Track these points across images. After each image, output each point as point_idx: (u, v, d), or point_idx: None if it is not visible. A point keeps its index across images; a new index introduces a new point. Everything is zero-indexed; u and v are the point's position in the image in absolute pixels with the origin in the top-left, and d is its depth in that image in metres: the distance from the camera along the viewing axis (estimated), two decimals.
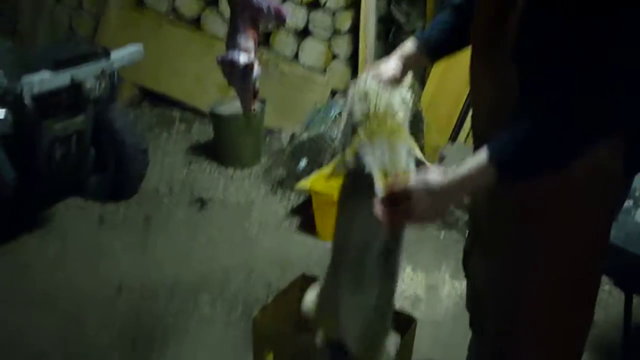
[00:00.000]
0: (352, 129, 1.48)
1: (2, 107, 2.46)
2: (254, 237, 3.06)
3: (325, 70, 4.30)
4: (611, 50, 1.08)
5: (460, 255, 1.88)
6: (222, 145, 3.82)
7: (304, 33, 4.27)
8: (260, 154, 3.92)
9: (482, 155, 1.16)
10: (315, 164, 3.50)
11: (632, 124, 1.22)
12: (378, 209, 1.29)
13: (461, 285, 2.55)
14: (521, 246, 1.43)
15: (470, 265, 1.76)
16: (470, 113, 3.60)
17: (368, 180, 1.36)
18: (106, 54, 2.88)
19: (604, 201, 1.35)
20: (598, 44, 1.09)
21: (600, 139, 1.18)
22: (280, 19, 1.73)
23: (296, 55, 4.37)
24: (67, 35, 4.81)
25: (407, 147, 1.40)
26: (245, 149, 3.78)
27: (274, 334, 1.91)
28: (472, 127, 1.61)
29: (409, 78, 1.59)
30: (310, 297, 1.79)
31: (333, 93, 4.22)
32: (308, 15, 4.18)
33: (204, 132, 4.29)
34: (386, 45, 4.09)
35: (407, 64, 1.59)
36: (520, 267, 1.44)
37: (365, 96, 1.44)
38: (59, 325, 2.35)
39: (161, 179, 3.63)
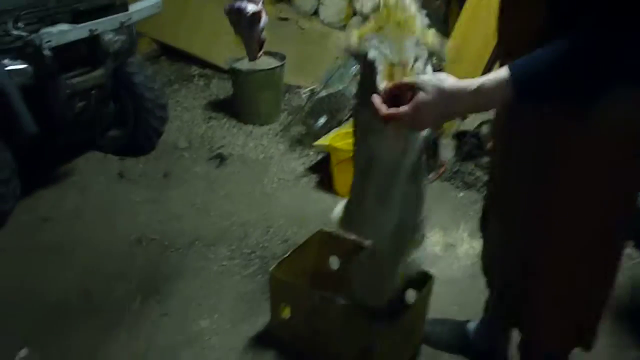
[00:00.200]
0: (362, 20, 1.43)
1: (22, 59, 2.46)
2: (272, 193, 3.07)
3: (345, 27, 4.22)
4: None
5: (478, 215, 1.87)
6: (241, 101, 3.79)
7: None
8: (279, 110, 3.90)
9: (504, 70, 1.11)
10: (334, 121, 3.47)
11: None
12: (376, 103, 1.21)
13: (479, 244, 2.53)
14: (540, 206, 1.41)
15: (489, 226, 1.75)
16: (495, 68, 3.54)
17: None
18: (124, 6, 2.84)
19: (629, 160, 1.31)
20: None
21: (624, 79, 1.13)
22: None
23: (316, 11, 4.29)
24: None
25: (417, 40, 1.32)
26: (264, 105, 3.75)
27: (291, 288, 1.92)
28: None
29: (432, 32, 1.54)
30: (339, 208, 1.79)
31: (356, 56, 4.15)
32: None
33: (222, 88, 4.28)
34: None
35: None
36: (538, 227, 1.43)
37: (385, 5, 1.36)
38: (78, 276, 2.39)
39: (180, 135, 3.64)
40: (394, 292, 1.79)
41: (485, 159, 3.22)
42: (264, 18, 1.67)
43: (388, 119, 1.20)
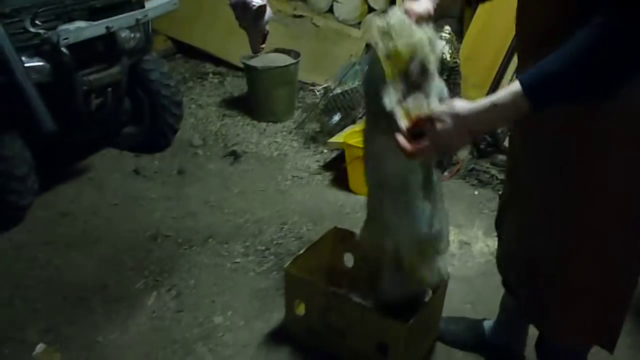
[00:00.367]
0: (375, 66, 1.43)
1: (40, 56, 2.48)
2: (286, 190, 3.07)
3: (360, 24, 4.21)
4: None
5: (494, 214, 1.86)
6: (256, 98, 3.80)
7: None
8: (293, 107, 3.90)
9: (515, 83, 1.12)
10: (348, 119, 3.47)
11: None
12: (401, 141, 1.27)
13: (494, 242, 2.52)
14: (560, 203, 1.40)
15: (505, 224, 1.73)
16: (510, 66, 3.52)
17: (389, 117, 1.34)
18: (140, 3, 2.86)
19: None
20: None
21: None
22: None
23: (331, 9, 4.29)
24: None
25: (433, 87, 1.38)
26: (278, 103, 3.75)
27: (306, 284, 1.92)
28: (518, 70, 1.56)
29: (447, 32, 1.55)
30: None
31: (368, 47, 4.14)
32: None
33: (237, 85, 4.29)
34: None
35: (441, 4, 1.53)
36: (559, 224, 1.42)
37: (389, 31, 1.39)
38: (97, 267, 2.42)
39: (195, 132, 3.65)
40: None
41: (501, 157, 3.20)
42: (268, 12, 1.70)
43: (412, 154, 1.26)
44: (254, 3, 1.68)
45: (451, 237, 2.62)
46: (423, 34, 1.39)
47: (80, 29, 2.46)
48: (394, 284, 1.80)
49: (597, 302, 1.48)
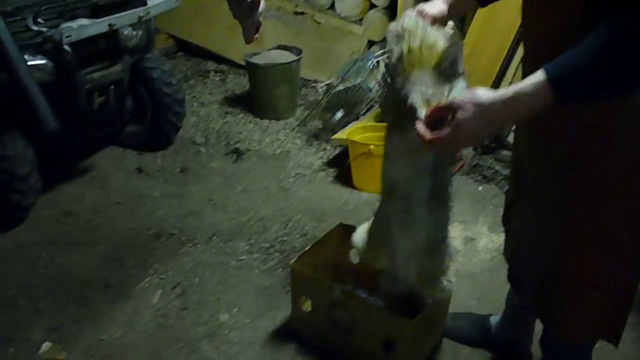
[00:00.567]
0: (392, 68, 1.43)
1: (42, 55, 2.47)
2: (289, 188, 3.06)
3: (361, 20, 4.20)
4: None
5: (498, 209, 1.85)
6: (258, 95, 3.79)
7: None
8: (295, 105, 3.89)
9: (539, 73, 1.08)
10: (351, 116, 3.46)
11: None
12: (420, 130, 1.22)
13: (499, 238, 2.51)
14: (570, 193, 1.39)
15: (512, 219, 1.72)
16: (513, 62, 3.51)
17: (411, 113, 1.31)
18: (142, 0, 2.84)
19: None
20: None
21: None
22: None
23: (332, 5, 4.27)
24: None
25: (454, 86, 1.35)
26: (280, 100, 3.74)
27: (312, 281, 1.91)
28: (524, 69, 1.54)
29: (450, 27, 1.54)
30: (360, 233, 1.80)
31: (370, 43, 4.13)
32: None
33: (238, 83, 4.28)
34: None
35: (454, 5, 1.53)
36: (569, 214, 1.41)
37: (405, 32, 1.39)
38: (101, 265, 2.41)
39: (197, 130, 3.64)
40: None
41: (505, 153, 3.19)
42: (262, 3, 1.71)
43: (432, 142, 1.21)
44: None
45: (456, 234, 2.64)
46: (438, 35, 1.39)
47: (82, 27, 2.45)
48: (391, 286, 1.81)
49: (603, 298, 1.47)
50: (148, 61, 3.11)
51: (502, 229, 1.86)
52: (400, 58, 1.39)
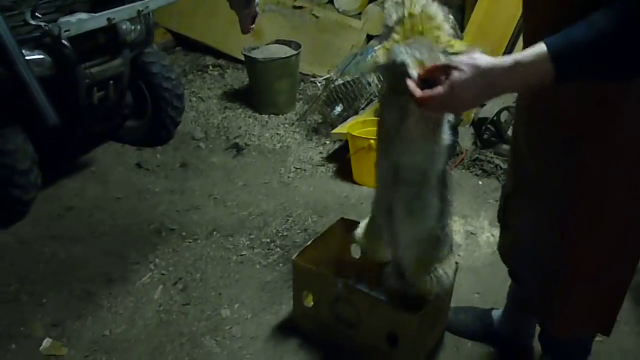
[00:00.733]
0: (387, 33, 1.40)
1: (41, 49, 2.46)
2: (290, 182, 3.06)
3: (360, 15, 4.19)
4: None
5: (498, 205, 1.84)
6: (257, 90, 3.78)
7: None
8: (295, 100, 3.88)
9: (541, 45, 1.05)
10: (351, 110, 3.46)
11: None
12: (411, 87, 1.17)
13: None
14: (570, 185, 1.39)
15: (511, 214, 1.72)
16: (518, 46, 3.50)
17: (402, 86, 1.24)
18: None
19: None
20: None
21: None
22: None
23: (331, 0, 4.26)
24: None
25: (445, 49, 1.30)
26: (280, 95, 3.73)
27: (315, 276, 1.91)
28: None
29: (450, 19, 1.51)
30: (362, 227, 1.80)
31: (369, 38, 4.12)
32: None
33: (237, 78, 4.27)
34: None
35: None
36: (568, 207, 1.41)
37: (402, 1, 1.37)
38: (102, 261, 2.41)
39: (196, 125, 3.64)
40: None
41: (505, 147, 3.19)
42: None
43: (424, 101, 1.16)
44: None
45: (457, 228, 2.65)
46: (438, 8, 1.37)
47: (81, 21, 2.43)
48: (394, 281, 1.81)
49: (600, 292, 1.48)
50: (147, 56, 3.10)
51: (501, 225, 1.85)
52: (399, 22, 1.36)
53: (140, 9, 2.69)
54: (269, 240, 2.57)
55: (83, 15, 2.49)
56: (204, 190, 2.96)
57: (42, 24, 2.41)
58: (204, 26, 4.50)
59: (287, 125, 3.66)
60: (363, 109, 3.42)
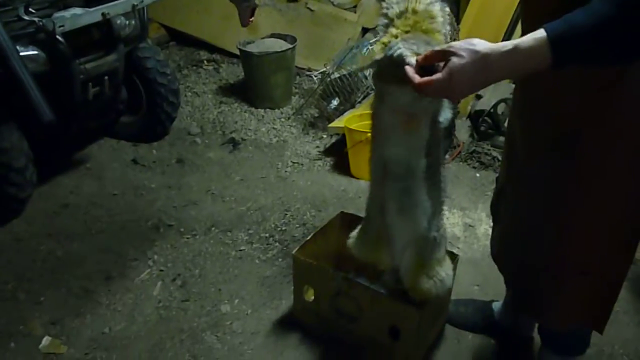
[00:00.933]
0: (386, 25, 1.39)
1: (35, 45, 2.43)
2: (287, 177, 3.04)
3: (355, 7, 4.17)
4: None
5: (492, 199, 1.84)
6: (253, 84, 3.76)
7: None
8: (290, 93, 3.87)
9: (540, 30, 1.04)
10: (347, 103, 3.44)
11: None
12: (409, 73, 1.16)
13: None
14: (563, 176, 1.39)
15: (501, 208, 1.71)
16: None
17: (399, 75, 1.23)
18: None
19: None
20: None
21: None
22: None
23: None
24: None
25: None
26: (276, 89, 3.72)
27: (315, 270, 1.90)
28: None
29: (446, 11, 1.50)
30: (354, 235, 1.79)
31: (364, 30, 4.11)
32: None
33: (232, 72, 4.25)
34: None
35: None
36: (561, 198, 1.40)
37: None
38: (100, 258, 2.39)
39: (192, 120, 3.62)
40: None
41: (502, 139, 3.19)
42: None
43: (422, 87, 1.15)
44: None
45: (455, 220, 2.65)
46: (439, 10, 1.36)
47: (76, 16, 2.41)
48: (394, 283, 1.80)
49: (590, 284, 1.47)
50: (142, 51, 3.07)
51: (492, 219, 1.84)
52: (399, 16, 1.35)
53: (135, 3, 2.67)
54: (267, 235, 2.56)
55: (77, 10, 2.46)
56: (201, 186, 2.94)
57: (36, 19, 2.38)
58: (198, 21, 4.47)
59: (283, 119, 3.65)
60: (359, 102, 3.41)
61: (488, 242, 2.47)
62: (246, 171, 3.09)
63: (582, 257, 1.44)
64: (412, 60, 1.21)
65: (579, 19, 1.01)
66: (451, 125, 3.11)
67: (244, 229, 2.59)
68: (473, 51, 1.08)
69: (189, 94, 3.95)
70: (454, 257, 1.91)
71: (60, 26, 2.36)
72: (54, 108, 2.37)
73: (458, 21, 3.51)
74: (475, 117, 3.29)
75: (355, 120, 3.04)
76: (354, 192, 2.88)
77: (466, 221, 2.66)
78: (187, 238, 2.53)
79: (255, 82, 3.73)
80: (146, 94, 3.17)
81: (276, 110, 3.75)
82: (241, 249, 2.47)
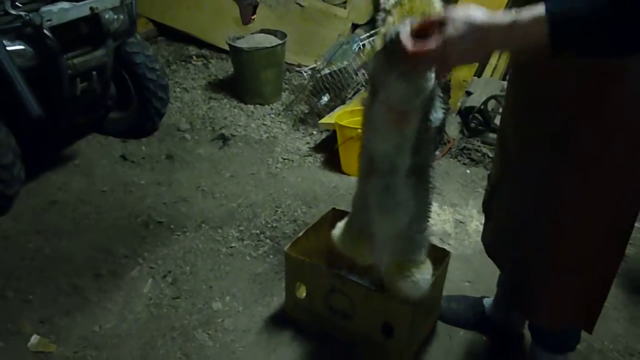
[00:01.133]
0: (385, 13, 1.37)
1: (22, 39, 2.40)
2: (278, 173, 3.03)
3: (345, 3, 4.16)
4: None
5: (484, 196, 1.84)
6: (242, 80, 3.74)
7: None
8: (280, 89, 3.85)
9: (539, 7, 1.01)
10: (337, 100, 3.44)
11: None
12: (404, 38, 1.13)
13: None
14: (556, 173, 1.39)
15: (496, 202, 1.71)
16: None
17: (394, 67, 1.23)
18: None
19: None
20: None
21: None
22: None
23: None
24: None
25: None
26: (265, 85, 3.70)
27: (307, 267, 1.90)
28: None
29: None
30: (339, 227, 1.78)
31: (354, 26, 4.10)
32: None
33: (221, 68, 4.22)
34: None
35: None
36: (553, 195, 1.41)
37: None
38: (89, 255, 2.37)
39: (181, 116, 3.59)
40: None
41: (492, 136, 3.20)
42: None
43: (415, 55, 1.12)
44: None
45: (446, 217, 2.65)
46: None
47: (63, 10, 2.38)
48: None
49: (580, 283, 1.48)
50: (130, 46, 3.04)
51: (485, 215, 1.85)
52: (395, 5, 1.32)
53: None
54: (258, 232, 2.54)
55: (65, 4, 2.44)
56: (191, 182, 2.92)
57: (23, 13, 2.35)
58: (187, 16, 4.44)
59: (273, 115, 3.63)
60: (350, 98, 3.41)
61: (479, 239, 2.48)
62: (236, 167, 3.08)
63: (575, 253, 1.44)
64: (407, 28, 1.17)
65: (580, 2, 0.99)
66: (442, 124, 3.12)
67: (234, 226, 2.58)
68: (469, 23, 1.05)
69: (178, 89, 3.92)
70: (446, 254, 1.92)
71: (47, 20, 2.33)
72: (41, 104, 2.35)
73: None
74: (465, 113, 3.29)
75: (346, 116, 3.03)
76: (344, 189, 2.87)
77: (457, 217, 2.67)
78: (178, 235, 2.51)
79: (245, 78, 3.70)
80: (135, 90, 3.14)
81: (266, 106, 3.73)
82: (232, 245, 2.46)
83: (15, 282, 2.20)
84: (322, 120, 3.22)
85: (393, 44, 1.20)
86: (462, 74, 3.48)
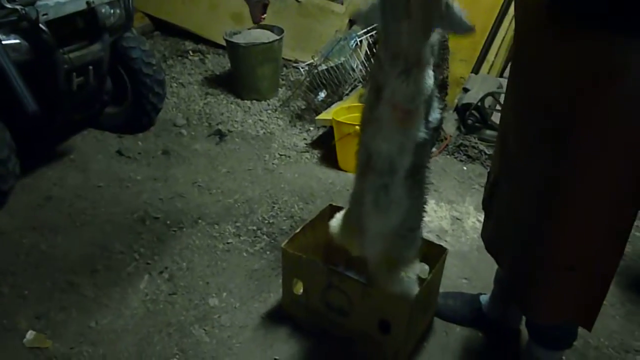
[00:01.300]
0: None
1: (17, 34, 2.38)
2: (274, 169, 3.03)
3: None
4: None
5: (483, 192, 1.84)
6: (239, 75, 3.73)
7: None
8: (277, 85, 3.84)
9: None
10: (335, 96, 3.43)
11: None
12: None
13: None
14: (551, 174, 1.39)
15: (495, 200, 1.71)
16: (495, 42, 3.51)
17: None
18: None
19: None
20: None
21: None
22: None
23: None
24: None
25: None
26: (262, 80, 3.69)
27: (305, 263, 1.89)
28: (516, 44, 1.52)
29: None
30: (337, 218, 1.78)
31: (351, 22, 4.08)
32: None
33: (218, 63, 4.20)
34: None
35: None
36: (552, 193, 1.41)
37: None
38: (85, 251, 2.36)
39: (177, 111, 3.58)
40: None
41: (489, 132, 3.20)
42: None
43: None
44: None
45: (443, 214, 2.65)
46: None
47: (59, 4, 2.36)
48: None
49: (578, 280, 1.48)
50: (127, 40, 3.02)
51: (485, 213, 1.85)
52: None
53: None
54: (255, 228, 2.54)
55: None
56: (187, 178, 2.91)
57: (19, 7, 2.34)
58: (184, 11, 4.42)
59: (269, 111, 3.62)
60: (347, 94, 3.40)
61: (476, 235, 2.51)
62: (233, 163, 3.07)
63: (575, 251, 1.44)
64: None
65: None
66: (439, 124, 3.12)
67: (231, 222, 2.57)
68: None
69: (175, 84, 3.91)
70: (443, 251, 1.92)
71: (43, 14, 2.31)
72: (37, 98, 2.33)
73: None
74: (462, 110, 3.29)
75: (343, 112, 3.02)
76: (341, 185, 2.87)
77: (454, 214, 2.67)
78: (174, 231, 2.51)
79: (241, 74, 3.69)
80: (131, 85, 3.12)
81: (263, 102, 3.72)
82: (229, 241, 2.45)
83: (11, 277, 2.19)
84: (319, 117, 3.21)
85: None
86: (460, 69, 3.48)
